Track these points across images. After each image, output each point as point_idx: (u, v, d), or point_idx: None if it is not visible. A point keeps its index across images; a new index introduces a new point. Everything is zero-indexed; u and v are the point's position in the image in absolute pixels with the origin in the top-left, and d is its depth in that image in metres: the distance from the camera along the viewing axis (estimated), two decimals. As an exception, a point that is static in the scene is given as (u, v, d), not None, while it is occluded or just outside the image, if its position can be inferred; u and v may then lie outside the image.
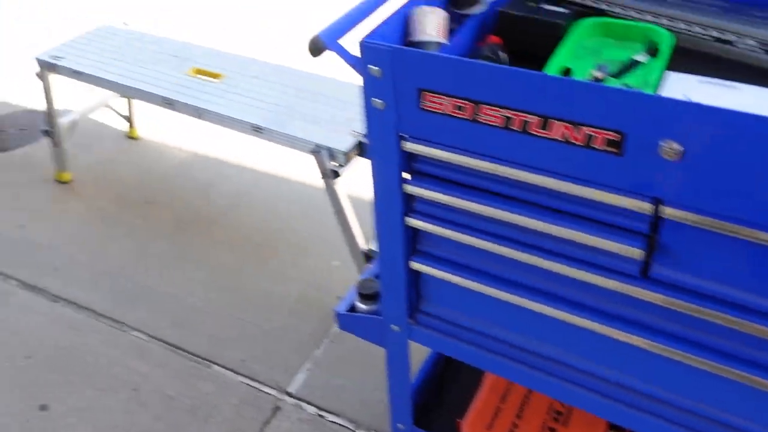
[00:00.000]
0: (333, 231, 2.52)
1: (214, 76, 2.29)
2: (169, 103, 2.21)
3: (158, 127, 3.15)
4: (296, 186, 2.78)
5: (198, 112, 2.15)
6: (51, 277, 2.42)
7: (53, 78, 2.52)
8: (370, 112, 1.05)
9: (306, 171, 2.81)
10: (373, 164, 1.13)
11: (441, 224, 1.14)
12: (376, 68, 1.00)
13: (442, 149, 1.03)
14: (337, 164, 1.91)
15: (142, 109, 3.03)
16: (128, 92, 2.30)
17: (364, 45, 0.99)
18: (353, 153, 1.90)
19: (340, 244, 2.46)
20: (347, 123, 1.99)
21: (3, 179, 2.90)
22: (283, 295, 2.31)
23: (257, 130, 2.04)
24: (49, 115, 2.61)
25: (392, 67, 0.98)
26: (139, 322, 2.23)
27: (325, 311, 2.24)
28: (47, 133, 2.70)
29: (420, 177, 1.11)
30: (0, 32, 4.14)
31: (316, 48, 1.02)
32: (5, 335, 2.19)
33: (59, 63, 2.44)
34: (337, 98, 2.12)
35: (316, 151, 1.90)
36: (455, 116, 0.98)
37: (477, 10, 1.19)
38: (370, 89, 1.03)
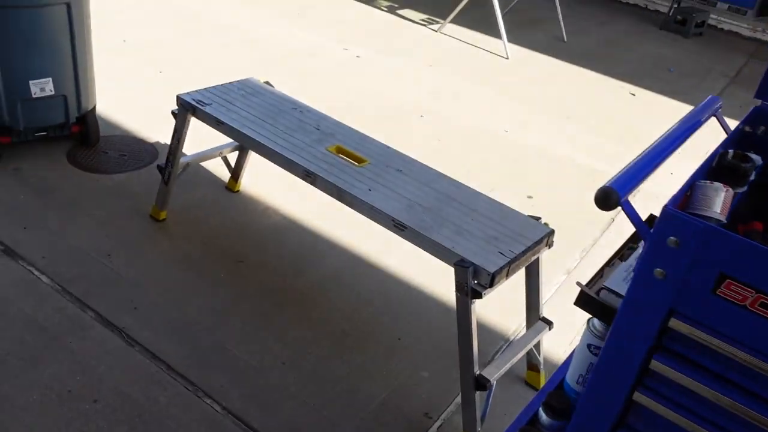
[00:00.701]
0: (427, 339, 2.41)
1: (358, 159, 2.25)
2: (309, 176, 2.16)
3: (259, 185, 3.11)
4: (394, 281, 2.69)
5: (339, 193, 2.10)
6: (129, 317, 2.32)
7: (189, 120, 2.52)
8: (643, 278, 0.98)
9: (409, 269, 2.73)
10: (617, 328, 1.04)
11: (673, 408, 1.04)
12: (674, 239, 0.93)
13: (724, 341, 0.94)
14: (479, 283, 1.83)
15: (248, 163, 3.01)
16: (270, 156, 2.26)
17: (668, 214, 0.93)
18: (500, 276, 1.82)
19: (432, 354, 2.36)
20: (493, 242, 1.93)
21: (98, 202, 2.85)
22: (366, 396, 2.17)
23: (399, 227, 1.97)
24: (173, 154, 2.58)
25: (698, 244, 0.91)
26: (214, 389, 2.11)
27: (409, 424, 2.10)
28: (161, 170, 2.67)
29: (668, 355, 1.02)
30: (109, 58, 4.22)
31: (608, 202, 0.96)
32: (77, 372, 2.07)
33: (204, 108, 2.43)
34: (482, 213, 2.07)
35: (463, 265, 1.82)
36: (757, 312, 0.90)
37: (742, 188, 1.14)
38: (654, 257, 0.96)
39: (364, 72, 4.61)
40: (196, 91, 2.57)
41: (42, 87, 2.87)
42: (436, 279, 2.67)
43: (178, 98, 2.51)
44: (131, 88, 3.83)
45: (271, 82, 2.79)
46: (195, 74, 4.09)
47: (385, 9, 6.04)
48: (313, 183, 2.18)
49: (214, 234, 2.79)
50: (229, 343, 2.28)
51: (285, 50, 4.73)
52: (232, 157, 2.97)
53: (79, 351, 2.15)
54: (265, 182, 3.13)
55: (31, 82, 2.84)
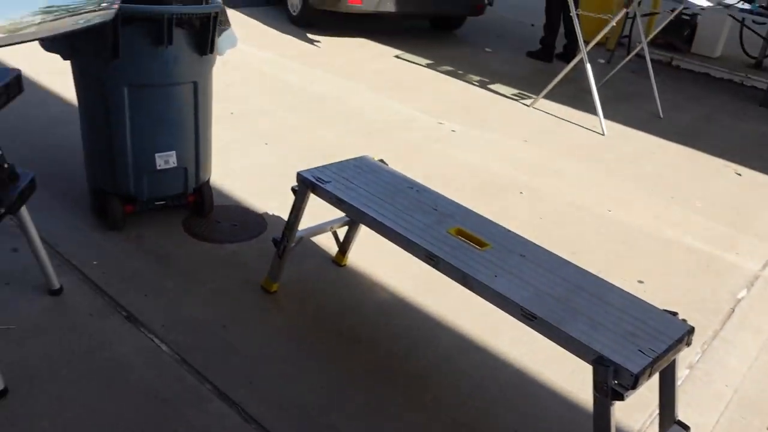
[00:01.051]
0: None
1: (479, 243, 2.23)
2: (432, 259, 2.15)
3: (364, 259, 3.13)
4: (506, 366, 2.60)
5: (464, 278, 2.07)
6: (245, 391, 2.32)
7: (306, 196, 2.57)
8: None
9: (520, 352, 2.64)
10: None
11: None
12: None
13: None
14: (620, 384, 1.74)
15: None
16: (390, 236, 2.27)
17: None
18: (643, 377, 1.72)
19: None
20: (631, 338, 1.84)
21: (212, 271, 2.93)
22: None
23: (529, 317, 1.92)
24: (290, 229, 2.63)
25: None
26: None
27: None
28: (277, 243, 2.72)
29: None
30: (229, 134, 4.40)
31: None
32: (199, 446, 2.08)
33: (324, 186, 2.48)
34: (615, 305, 1.99)
35: (603, 363, 1.74)
36: None
37: None
38: None
39: (460, 146, 4.65)
40: (315, 168, 2.63)
41: (166, 160, 3.02)
42: (551, 364, 2.57)
43: (299, 175, 2.58)
44: (239, 159, 3.98)
45: (385, 160, 2.83)
46: (298, 146, 4.22)
47: (477, 84, 6.13)
48: (435, 266, 2.16)
49: (325, 309, 2.80)
50: (343, 425, 2.24)
51: (381, 124, 4.84)
52: (341, 231, 3.01)
53: (198, 425, 2.15)
54: (370, 256, 3.14)
55: (156, 155, 2.99)
